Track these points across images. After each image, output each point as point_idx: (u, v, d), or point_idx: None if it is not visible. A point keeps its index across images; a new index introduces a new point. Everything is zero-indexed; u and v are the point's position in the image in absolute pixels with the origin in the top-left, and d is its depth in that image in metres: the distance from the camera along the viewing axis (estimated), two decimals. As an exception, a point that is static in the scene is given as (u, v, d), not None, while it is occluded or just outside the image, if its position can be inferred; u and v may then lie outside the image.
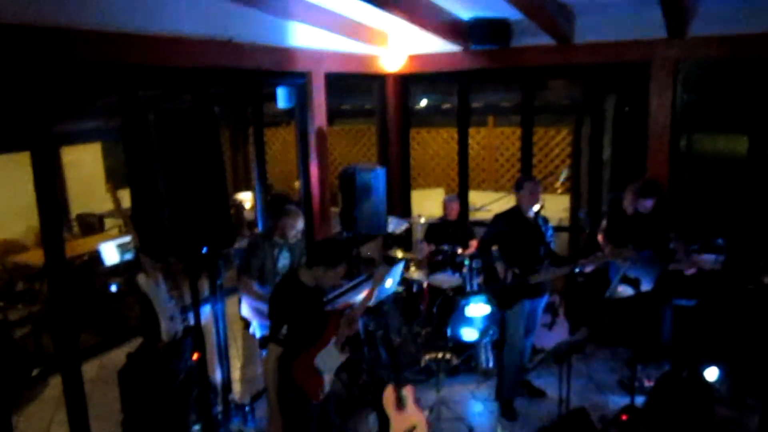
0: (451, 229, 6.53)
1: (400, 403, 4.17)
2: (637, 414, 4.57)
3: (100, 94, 6.61)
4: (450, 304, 5.81)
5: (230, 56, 5.01)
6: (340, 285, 4.61)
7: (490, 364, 5.55)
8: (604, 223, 5.73)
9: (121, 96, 4.62)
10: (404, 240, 7.43)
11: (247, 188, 10.84)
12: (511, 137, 10.51)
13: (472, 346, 5.68)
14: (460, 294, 5.83)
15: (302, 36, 5.84)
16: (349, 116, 11.38)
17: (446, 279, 6.11)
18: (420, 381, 5.39)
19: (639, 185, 5.39)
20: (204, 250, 3.05)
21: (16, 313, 6.56)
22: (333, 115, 9.59)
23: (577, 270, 4.84)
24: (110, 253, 6.71)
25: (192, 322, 3.73)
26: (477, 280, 5.87)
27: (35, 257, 6.79)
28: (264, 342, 4.60)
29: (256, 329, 4.86)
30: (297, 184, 7.28)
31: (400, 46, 7.21)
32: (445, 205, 6.62)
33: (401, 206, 7.85)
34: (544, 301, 5.05)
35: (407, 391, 4.22)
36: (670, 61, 5.95)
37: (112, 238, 7.12)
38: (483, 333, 5.55)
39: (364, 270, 5.91)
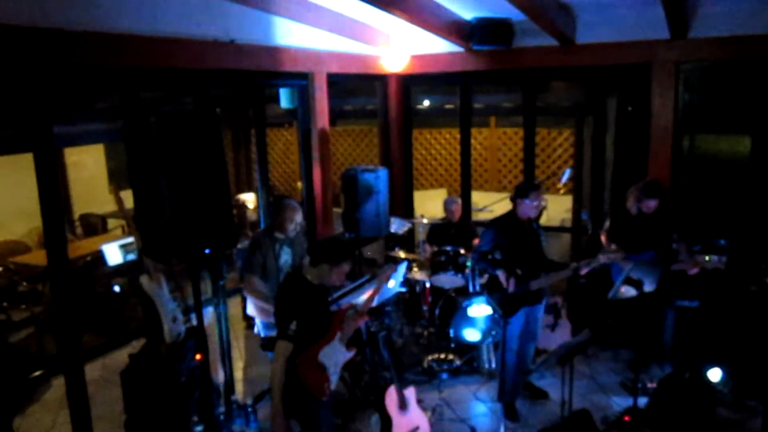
0: (454, 230, 6.52)
1: (402, 404, 4.17)
2: (640, 415, 4.57)
3: (102, 96, 6.62)
4: (452, 305, 5.80)
5: (232, 57, 5.01)
6: (344, 285, 4.61)
7: (493, 365, 5.55)
8: (607, 223, 5.73)
9: (123, 97, 4.64)
10: (406, 241, 7.43)
11: (249, 189, 10.85)
12: (514, 138, 10.51)
13: (474, 347, 5.67)
14: (463, 295, 5.83)
15: (304, 37, 5.85)
16: (351, 117, 11.36)
17: (449, 280, 6.10)
18: (422, 382, 5.39)
19: (642, 185, 5.39)
20: (206, 251, 3.05)
21: (19, 314, 6.58)
22: (335, 116, 9.61)
23: (572, 273, 4.77)
24: (113, 254, 6.71)
25: (194, 323, 3.73)
26: (479, 281, 5.86)
27: (38, 258, 6.80)
28: (266, 344, 4.61)
29: (260, 328, 4.87)
30: (299, 185, 7.28)
31: (402, 47, 7.22)
32: (446, 207, 6.61)
33: (403, 207, 7.85)
34: (542, 306, 5.00)
35: (409, 393, 4.23)
36: (671, 62, 5.95)
37: (115, 239, 7.13)
38: (485, 334, 5.55)
39: (366, 270, 5.91)
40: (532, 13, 5.44)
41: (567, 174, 6.85)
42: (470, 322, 5.58)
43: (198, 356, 3.79)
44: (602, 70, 6.51)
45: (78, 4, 3.87)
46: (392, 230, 6.37)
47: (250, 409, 4.73)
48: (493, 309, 4.64)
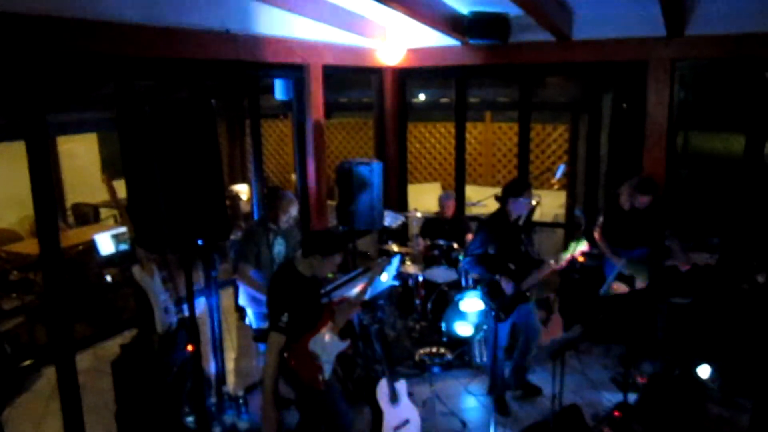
0: (447, 225, 6.52)
1: (393, 397, 4.18)
2: (630, 411, 4.59)
3: (96, 85, 6.56)
4: (445, 299, 5.82)
5: (227, 48, 4.98)
6: (336, 277, 4.61)
7: (484, 359, 5.57)
8: (600, 219, 5.74)
9: (117, 87, 4.60)
10: (400, 234, 7.43)
11: (243, 180, 10.82)
12: (509, 133, 10.50)
13: (466, 341, 5.69)
14: (455, 289, 5.84)
15: (300, 28, 5.82)
16: (346, 110, 11.33)
17: (441, 274, 6.11)
18: (414, 375, 5.40)
19: (636, 181, 5.41)
20: (199, 242, 3.04)
21: (10, 303, 6.55)
22: (330, 109, 9.56)
23: (549, 269, 4.68)
24: (105, 243, 6.68)
25: (186, 313, 3.72)
26: (472, 276, 5.87)
27: (30, 247, 6.76)
28: (258, 335, 4.61)
29: (252, 319, 4.87)
30: (293, 176, 7.26)
31: (398, 40, 7.19)
32: (441, 203, 6.61)
33: (398, 200, 7.84)
34: (531, 304, 4.99)
35: (401, 386, 4.24)
36: (667, 60, 5.95)
37: (108, 228, 7.10)
38: (477, 328, 5.57)
39: (359, 263, 5.91)
40: (529, 8, 5.44)
41: (561, 170, 6.87)
42: (462, 316, 5.60)
43: (190, 347, 3.79)
44: (598, 66, 6.51)
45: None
46: (386, 224, 6.37)
47: (241, 400, 4.73)
48: (496, 315, 4.61)
